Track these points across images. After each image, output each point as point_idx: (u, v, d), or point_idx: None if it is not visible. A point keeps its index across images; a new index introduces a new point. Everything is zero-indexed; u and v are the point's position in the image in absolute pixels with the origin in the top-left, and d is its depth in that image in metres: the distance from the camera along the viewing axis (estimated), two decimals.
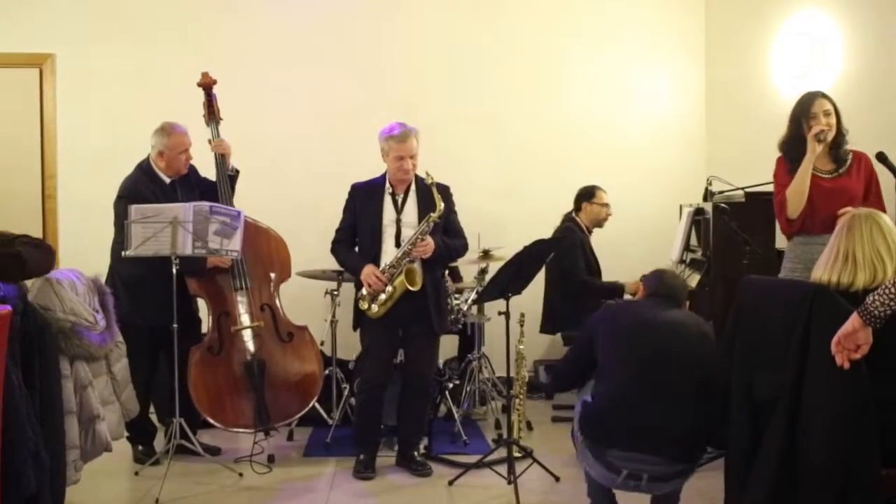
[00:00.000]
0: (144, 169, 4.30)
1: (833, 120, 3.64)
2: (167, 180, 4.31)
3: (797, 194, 3.63)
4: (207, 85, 4.45)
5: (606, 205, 5.29)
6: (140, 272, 4.10)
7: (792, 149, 3.69)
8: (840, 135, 3.67)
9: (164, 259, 3.96)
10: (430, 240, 4.03)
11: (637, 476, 2.86)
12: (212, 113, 4.44)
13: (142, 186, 4.22)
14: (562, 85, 6.05)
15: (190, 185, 4.40)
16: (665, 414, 2.85)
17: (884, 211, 3.50)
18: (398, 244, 4.08)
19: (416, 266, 4.05)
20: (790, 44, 5.06)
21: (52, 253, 3.22)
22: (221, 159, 4.40)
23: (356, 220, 4.20)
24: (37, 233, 5.70)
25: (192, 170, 4.48)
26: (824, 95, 3.69)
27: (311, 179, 5.71)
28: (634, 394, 2.89)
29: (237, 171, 4.49)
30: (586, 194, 5.30)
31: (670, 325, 2.98)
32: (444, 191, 4.17)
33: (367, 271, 4.03)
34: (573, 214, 5.32)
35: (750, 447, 2.59)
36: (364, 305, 4.07)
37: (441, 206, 4.04)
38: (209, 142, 4.44)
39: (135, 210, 3.98)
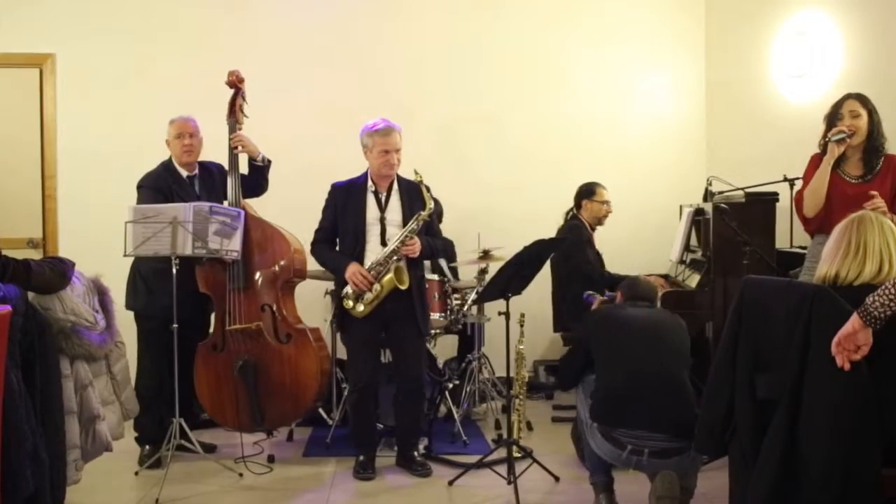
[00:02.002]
0: (165, 163, 4.38)
1: (861, 122, 3.62)
2: (184, 174, 4.34)
3: (813, 194, 3.66)
4: (233, 83, 4.45)
5: (607, 202, 5.28)
6: (160, 265, 4.13)
7: (824, 148, 3.70)
8: (874, 139, 3.63)
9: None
10: (416, 239, 4.00)
11: (639, 451, 3.25)
12: (233, 112, 4.44)
13: (158, 177, 4.29)
14: (562, 85, 6.05)
15: (213, 180, 4.42)
16: (661, 395, 3.29)
17: None
18: (383, 242, 4.04)
19: (403, 264, 4.03)
20: (790, 44, 5.06)
21: (64, 279, 3.19)
22: (233, 155, 4.39)
23: (337, 219, 4.15)
24: (37, 233, 5.72)
25: (218, 168, 4.48)
26: (858, 97, 3.67)
27: (311, 179, 5.65)
28: (635, 381, 3.33)
29: (269, 162, 4.49)
30: (586, 192, 5.29)
31: (653, 321, 3.51)
32: (427, 191, 4.15)
33: (353, 270, 3.99)
34: (575, 212, 5.33)
35: (753, 447, 2.59)
36: (349, 304, 4.02)
37: (431, 204, 4.02)
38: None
39: (134, 210, 4.00)
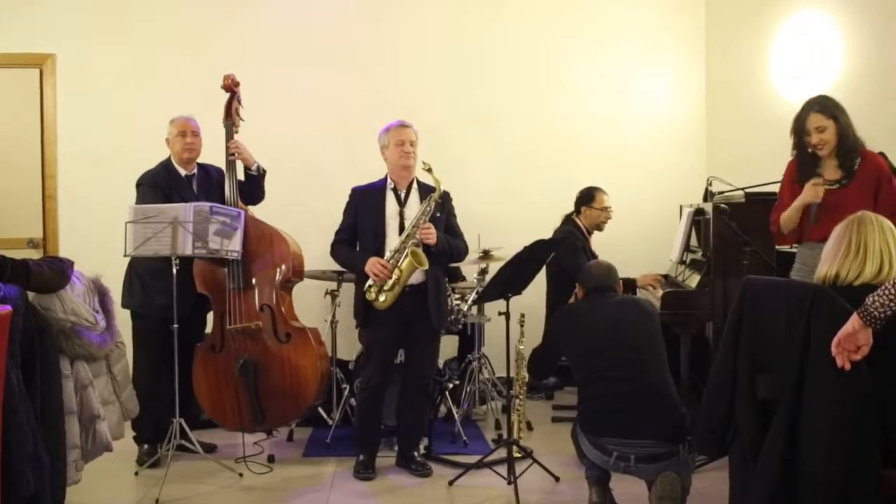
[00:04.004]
0: (164, 163, 4.39)
1: (828, 135, 3.57)
2: (183, 173, 4.36)
3: (788, 222, 3.69)
4: (229, 87, 4.45)
5: (606, 209, 5.26)
6: (157, 264, 4.13)
7: (798, 158, 3.71)
8: (845, 143, 3.58)
9: None
10: (432, 225, 4.01)
11: (625, 458, 3.26)
12: (229, 115, 4.44)
13: (157, 175, 4.31)
14: (562, 85, 6.05)
15: (210, 182, 4.42)
16: (640, 403, 3.27)
17: None
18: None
19: (420, 250, 4.02)
20: (790, 44, 5.06)
21: (63, 277, 3.19)
22: (230, 162, 4.38)
23: (357, 219, 4.18)
24: (37, 233, 5.72)
25: (217, 171, 4.49)
26: (820, 109, 3.60)
27: (311, 179, 5.71)
28: (613, 392, 3.32)
29: (264, 171, 4.49)
30: (586, 198, 5.29)
31: (620, 323, 3.44)
32: (445, 195, 4.16)
33: (371, 261, 4.00)
34: (573, 216, 5.32)
35: (753, 447, 2.59)
36: (371, 296, 4.02)
37: (441, 187, 4.03)
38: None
39: (135, 210, 4.01)
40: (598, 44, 6.07)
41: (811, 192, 3.58)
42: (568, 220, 5.32)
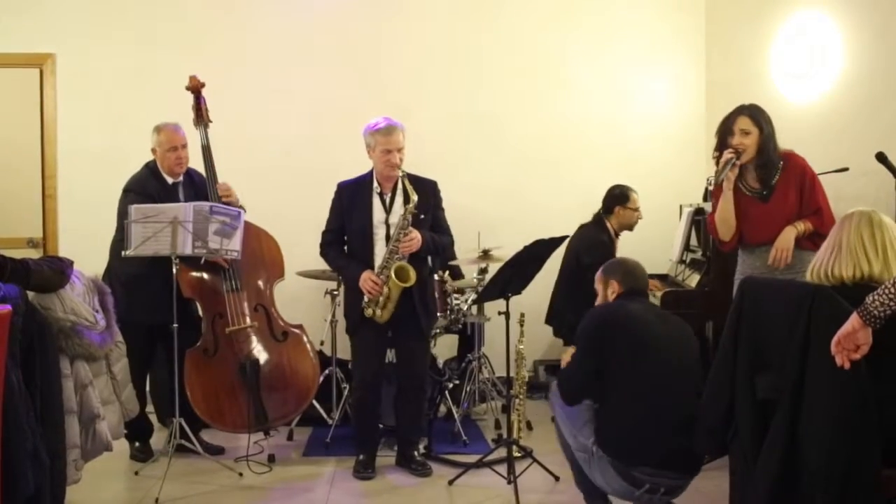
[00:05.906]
0: (150, 167, 4.37)
1: (749, 140, 3.56)
2: (170, 181, 4.34)
3: (723, 222, 3.68)
4: (196, 88, 4.44)
5: (638, 209, 5.09)
6: (137, 270, 4.12)
7: (717, 154, 3.72)
8: (764, 155, 3.57)
9: (161, 257, 3.99)
10: (415, 233, 3.98)
11: (655, 490, 2.99)
12: (200, 117, 4.43)
13: (146, 182, 4.28)
14: (562, 85, 6.05)
15: (194, 187, 4.41)
16: (689, 428, 2.91)
17: (826, 204, 3.55)
18: None
19: (405, 262, 4.01)
20: (790, 44, 5.05)
21: (63, 277, 3.19)
22: (210, 164, 4.36)
23: (344, 220, 4.16)
24: (37, 233, 5.72)
25: (198, 174, 4.48)
26: (750, 113, 3.60)
27: (310, 179, 5.69)
28: (664, 414, 2.99)
29: (244, 210, 4.38)
30: (620, 197, 5.05)
31: (673, 335, 3.12)
32: (433, 187, 4.14)
33: (364, 277, 4.00)
34: (602, 217, 5.08)
35: (753, 447, 2.59)
36: (370, 313, 4.03)
37: (415, 197, 3.97)
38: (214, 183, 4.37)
39: (135, 210, 4.00)
40: (599, 44, 6.06)
41: (725, 157, 3.59)
42: (598, 222, 5.07)
